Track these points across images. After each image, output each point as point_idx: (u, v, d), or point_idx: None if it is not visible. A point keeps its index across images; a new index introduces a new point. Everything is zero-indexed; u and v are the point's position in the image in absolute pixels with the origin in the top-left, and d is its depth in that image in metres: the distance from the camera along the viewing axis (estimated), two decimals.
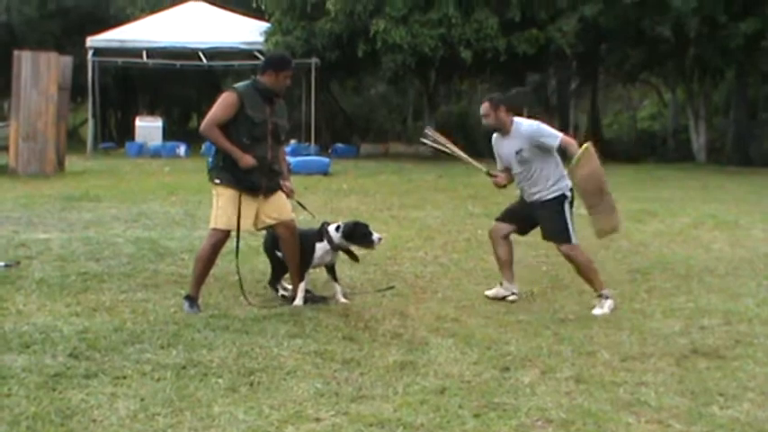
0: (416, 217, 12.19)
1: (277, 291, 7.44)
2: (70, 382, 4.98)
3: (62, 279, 7.75)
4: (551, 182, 7.32)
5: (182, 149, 25.81)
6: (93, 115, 27.36)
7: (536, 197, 7.35)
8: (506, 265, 7.51)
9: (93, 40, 26.45)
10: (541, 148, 7.33)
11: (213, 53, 28.57)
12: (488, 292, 7.48)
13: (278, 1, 25.20)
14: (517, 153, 7.37)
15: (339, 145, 27.46)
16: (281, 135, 7.17)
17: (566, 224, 7.21)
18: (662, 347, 5.93)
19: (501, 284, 7.50)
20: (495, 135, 7.62)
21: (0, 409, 4.56)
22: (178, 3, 29.41)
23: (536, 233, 7.66)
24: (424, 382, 5.12)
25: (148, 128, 26.83)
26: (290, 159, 19.85)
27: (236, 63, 30.53)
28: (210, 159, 7.08)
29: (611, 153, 27.42)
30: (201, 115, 38.58)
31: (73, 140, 25.11)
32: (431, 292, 7.61)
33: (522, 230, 7.69)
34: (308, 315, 6.68)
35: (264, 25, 26.53)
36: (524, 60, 25.02)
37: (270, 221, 7.09)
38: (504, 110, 7.46)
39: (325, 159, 20.91)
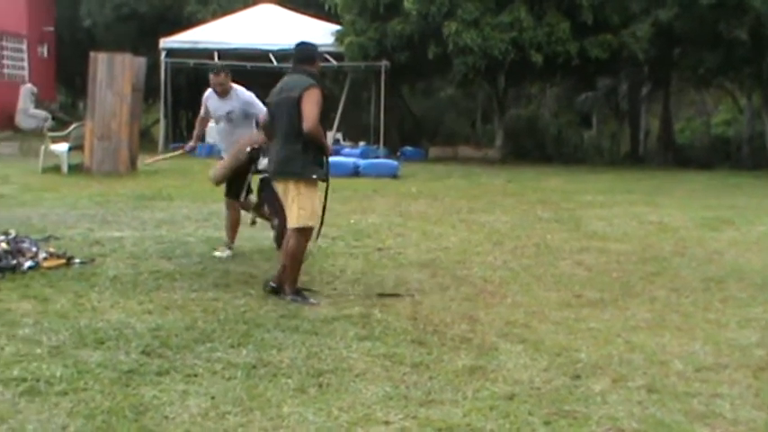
0: (485, 221, 12.12)
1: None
2: (143, 379, 5.05)
3: (135, 277, 7.87)
4: None
5: None
6: (165, 115, 27.69)
7: None
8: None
9: (166, 42, 26.81)
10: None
11: (283, 55, 28.74)
12: None
13: (350, 3, 25.27)
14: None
15: (408, 148, 27.44)
16: None
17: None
18: (738, 358, 5.81)
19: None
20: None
21: (76, 402, 4.65)
22: (250, 5, 29.68)
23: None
24: (493, 387, 5.09)
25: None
26: (360, 162, 20.02)
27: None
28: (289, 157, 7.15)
29: (683, 159, 27.07)
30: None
31: (145, 140, 25.42)
32: (500, 297, 7.55)
33: None
34: (378, 318, 6.68)
35: (334, 27, 26.62)
36: (596, 65, 24.76)
37: None
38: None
39: (394, 162, 20.90)
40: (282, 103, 7.11)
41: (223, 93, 9.02)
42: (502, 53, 23.14)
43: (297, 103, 6.98)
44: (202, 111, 9.39)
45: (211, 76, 9.11)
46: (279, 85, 7.30)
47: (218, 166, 9.04)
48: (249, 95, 9.05)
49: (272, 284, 7.26)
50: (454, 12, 23.10)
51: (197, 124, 9.82)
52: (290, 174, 7.12)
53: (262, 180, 8.74)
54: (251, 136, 8.80)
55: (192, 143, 9.91)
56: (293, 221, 7.17)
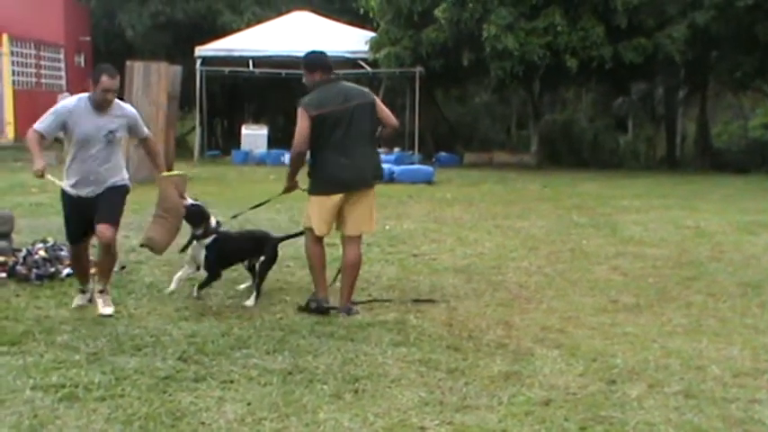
0: (521, 227, 12.09)
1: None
2: (180, 385, 5.10)
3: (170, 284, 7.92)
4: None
5: (286, 157, 25.92)
6: (201, 123, 27.88)
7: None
8: None
9: (201, 50, 26.99)
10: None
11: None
12: None
13: (385, 9, 25.30)
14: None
15: (443, 154, 27.41)
16: None
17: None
18: None
19: None
20: None
21: (114, 408, 4.70)
22: (284, 13, 29.82)
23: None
24: (529, 393, 5.08)
25: (254, 136, 27.22)
26: (395, 168, 20.03)
27: (340, 72, 30.79)
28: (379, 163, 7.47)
29: (720, 163, 26.82)
30: None
31: (180, 148, 25.58)
32: (535, 303, 7.53)
33: None
34: (413, 323, 6.69)
35: (369, 34, 26.66)
36: (631, 69, 24.60)
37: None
38: None
39: (429, 168, 20.88)
40: (358, 110, 7.02)
41: (105, 105, 6.86)
42: (540, 58, 23.06)
43: (374, 109, 7.11)
44: (46, 123, 6.85)
45: (104, 79, 6.71)
46: (328, 94, 7.02)
47: (155, 228, 7.20)
48: (134, 110, 7.37)
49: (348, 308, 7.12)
50: (487, 17, 23.05)
51: (33, 142, 6.79)
52: (380, 178, 7.39)
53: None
54: (175, 180, 7.44)
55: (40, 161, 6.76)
56: (373, 226, 7.47)
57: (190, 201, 7.38)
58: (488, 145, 30.52)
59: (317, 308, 6.96)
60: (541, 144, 27.63)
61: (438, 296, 7.66)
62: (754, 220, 12.91)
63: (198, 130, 28.06)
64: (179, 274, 7.52)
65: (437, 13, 23.48)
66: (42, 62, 29.82)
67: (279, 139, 29.16)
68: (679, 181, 21.32)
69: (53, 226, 10.97)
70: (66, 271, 8.11)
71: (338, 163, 6.96)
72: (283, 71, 28.88)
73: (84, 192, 6.96)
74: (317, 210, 7.14)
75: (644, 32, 23.54)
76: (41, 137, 6.84)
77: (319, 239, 7.22)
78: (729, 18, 23.23)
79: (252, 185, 18.30)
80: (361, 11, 26.37)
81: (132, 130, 7.18)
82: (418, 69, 25.71)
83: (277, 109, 36.12)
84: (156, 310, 6.94)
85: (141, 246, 7.59)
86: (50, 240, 9.00)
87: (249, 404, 4.81)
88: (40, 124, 6.85)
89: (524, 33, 22.93)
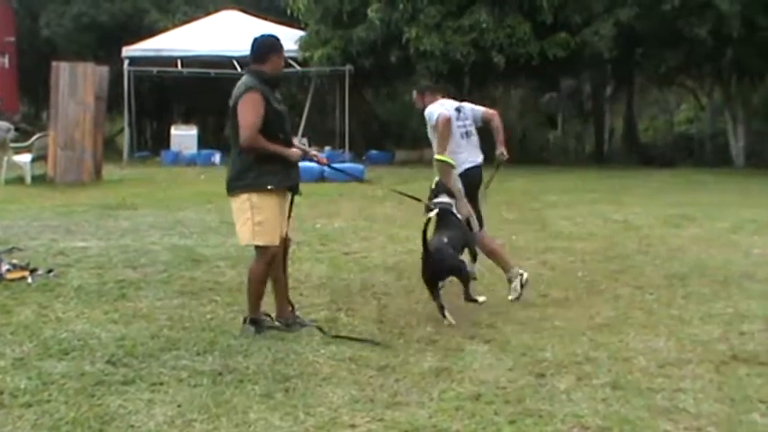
0: None
1: None
2: (108, 389, 5.03)
3: (100, 286, 7.83)
4: None
5: (217, 157, 25.88)
6: (129, 124, 27.54)
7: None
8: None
9: (128, 50, 26.67)
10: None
11: (247, 61, 28.64)
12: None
13: (313, 10, 25.27)
14: None
15: (373, 151, 27.48)
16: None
17: None
18: (700, 353, 5.87)
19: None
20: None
21: (41, 414, 4.62)
22: (212, 12, 29.60)
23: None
24: (459, 388, 5.11)
25: (183, 136, 26.98)
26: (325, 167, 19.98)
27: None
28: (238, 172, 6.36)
29: (647, 158, 27.30)
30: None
31: (109, 149, 25.28)
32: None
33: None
34: (343, 321, 6.70)
35: (298, 33, 26.60)
36: (558, 65, 24.92)
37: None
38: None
39: (360, 166, 20.90)
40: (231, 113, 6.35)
41: None
42: (463, 56, 23.24)
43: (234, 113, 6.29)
44: None
45: None
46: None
47: None
48: None
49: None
50: (416, 17, 23.18)
51: None
52: (229, 189, 6.37)
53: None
54: None
55: None
56: (240, 239, 6.54)
57: None
58: (419, 142, 30.61)
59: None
60: None
61: (369, 294, 7.67)
62: (680, 213, 13.16)
63: (126, 131, 27.73)
64: None
65: (369, 13, 23.55)
66: None
67: (209, 139, 28.97)
68: (607, 175, 21.64)
69: None
70: None
71: None
72: (212, 71, 28.69)
73: None
74: None
75: (570, 29, 23.86)
76: None
77: None
78: (654, 15, 23.64)
79: (182, 186, 18.16)
80: (288, 11, 26.26)
81: None
82: (348, 68, 25.73)
83: (206, 109, 35.85)
84: (84, 314, 6.84)
85: None
86: None
87: (179, 406, 4.77)
88: None
89: (451, 32, 23.11)
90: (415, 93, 8.26)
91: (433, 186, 7.50)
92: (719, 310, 7.12)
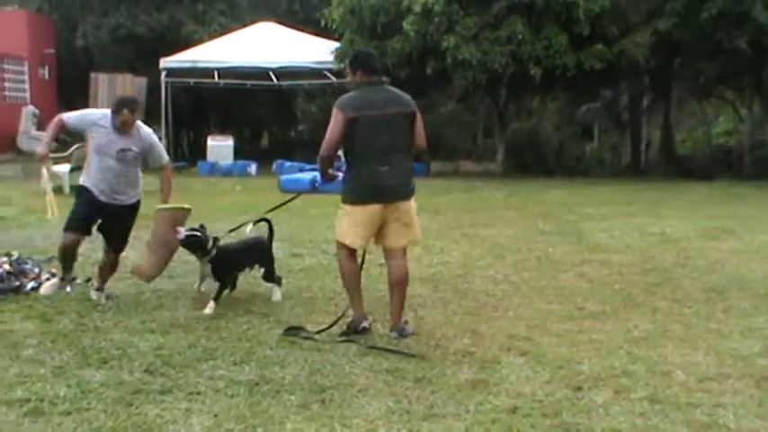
0: (487, 235, 12.13)
1: None
2: (146, 398, 5.07)
3: (137, 296, 7.91)
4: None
5: (252, 168, 26.04)
6: (166, 135, 27.68)
7: None
8: None
9: (166, 62, 26.88)
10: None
11: (283, 72, 28.85)
12: None
13: (348, 21, 25.35)
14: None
15: None
16: None
17: None
18: (740, 368, 5.81)
19: None
20: None
21: (80, 422, 4.67)
22: (248, 24, 29.78)
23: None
24: (495, 400, 5.10)
25: (220, 147, 27.11)
26: None
27: (305, 82, 30.86)
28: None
29: (685, 170, 27.05)
30: (272, 134, 38.60)
31: None
32: (502, 311, 7.55)
33: None
34: (380, 333, 6.70)
35: (334, 44, 26.69)
36: (595, 76, 24.80)
37: None
38: None
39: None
40: (397, 118, 6.58)
41: (124, 127, 7.73)
42: (502, 66, 23.21)
43: (413, 121, 6.63)
44: (73, 121, 7.91)
45: (125, 112, 7.67)
46: (372, 97, 6.67)
47: (147, 259, 7.91)
48: (155, 138, 8.14)
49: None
50: (453, 29, 23.19)
51: (54, 127, 7.99)
52: (413, 191, 6.76)
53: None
54: (174, 215, 7.79)
55: (44, 146, 8.13)
56: (417, 233, 6.90)
57: (183, 233, 7.50)
58: (455, 154, 30.61)
59: (355, 330, 6.62)
60: (507, 152, 27.76)
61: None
62: (719, 226, 13.03)
63: (164, 142, 27.88)
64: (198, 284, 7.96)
65: (405, 25, 23.58)
66: (6, 75, 29.57)
67: (245, 150, 29.09)
68: (644, 188, 21.48)
69: (17, 240, 10.91)
70: (31, 285, 8.07)
71: (377, 171, 6.49)
72: (249, 82, 28.87)
73: (98, 192, 7.93)
74: (351, 221, 6.70)
75: (607, 40, 23.75)
76: (63, 125, 7.88)
77: (353, 254, 6.86)
78: (692, 25, 23.46)
79: (218, 196, 18.23)
80: (323, 22, 26.37)
81: (147, 155, 7.99)
82: (384, 80, 25.75)
83: (243, 120, 36.08)
84: (121, 323, 6.90)
85: (131, 273, 8.22)
86: (15, 254, 8.93)
87: (216, 416, 4.79)
88: (69, 115, 7.95)
89: (488, 43, 23.09)
90: None
91: None
92: (760, 325, 7.04)
